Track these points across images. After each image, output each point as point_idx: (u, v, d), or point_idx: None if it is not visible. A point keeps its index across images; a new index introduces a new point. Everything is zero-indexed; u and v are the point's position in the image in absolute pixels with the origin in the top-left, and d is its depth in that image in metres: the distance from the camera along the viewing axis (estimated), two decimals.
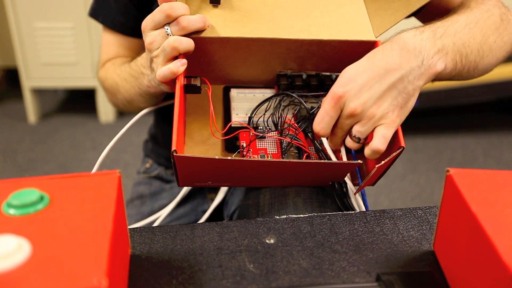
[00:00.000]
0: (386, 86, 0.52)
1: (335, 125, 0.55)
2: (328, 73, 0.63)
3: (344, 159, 0.59)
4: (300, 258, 0.46)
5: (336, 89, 0.53)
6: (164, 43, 0.55)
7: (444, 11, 0.65)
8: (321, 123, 0.54)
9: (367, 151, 0.54)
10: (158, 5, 0.56)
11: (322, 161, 0.57)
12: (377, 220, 0.52)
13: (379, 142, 0.53)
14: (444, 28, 0.56)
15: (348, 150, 0.61)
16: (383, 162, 0.53)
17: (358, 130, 0.54)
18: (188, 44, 0.55)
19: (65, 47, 2.09)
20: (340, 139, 0.57)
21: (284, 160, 0.57)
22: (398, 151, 0.53)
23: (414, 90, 0.53)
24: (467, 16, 0.59)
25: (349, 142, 0.56)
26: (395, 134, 0.54)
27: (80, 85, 2.18)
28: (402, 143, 0.53)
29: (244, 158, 0.54)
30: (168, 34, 0.55)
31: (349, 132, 0.55)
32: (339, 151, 0.60)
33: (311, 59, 0.61)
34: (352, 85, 0.52)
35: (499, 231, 0.35)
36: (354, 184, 0.61)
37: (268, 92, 0.63)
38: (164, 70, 0.55)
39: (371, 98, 0.52)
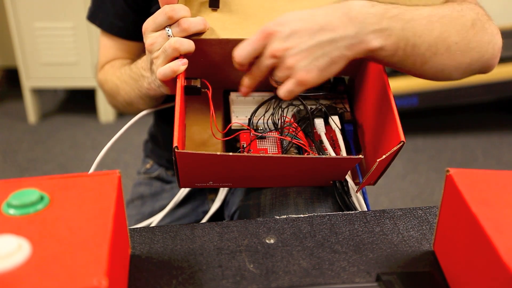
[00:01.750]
0: (314, 42, 0.51)
1: (254, 63, 0.55)
2: None
3: (344, 155, 0.59)
4: (300, 258, 0.46)
5: (269, 25, 0.52)
6: (165, 44, 0.55)
7: None
8: (242, 50, 0.54)
9: (278, 91, 0.55)
10: (156, 9, 0.56)
11: (323, 156, 0.57)
12: (377, 220, 0.52)
13: (282, 93, 0.54)
14: (400, 10, 0.54)
15: (348, 149, 0.61)
16: (384, 156, 0.53)
17: (276, 73, 0.54)
18: (188, 45, 0.55)
19: (65, 47, 2.09)
20: (256, 80, 0.56)
21: (284, 155, 0.58)
22: (398, 146, 0.53)
23: (340, 58, 0.52)
24: (433, 9, 0.57)
25: (271, 80, 0.56)
26: (395, 129, 0.54)
27: (80, 85, 2.18)
28: (402, 138, 0.53)
29: (246, 154, 0.54)
30: (169, 36, 0.56)
31: (266, 75, 0.55)
32: (339, 150, 0.60)
33: None
34: (285, 28, 0.52)
35: (499, 231, 0.35)
36: (355, 183, 0.61)
37: (267, 95, 0.64)
38: (165, 68, 0.56)
39: (295, 47, 0.51)
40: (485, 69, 0.64)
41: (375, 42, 0.53)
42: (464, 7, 0.59)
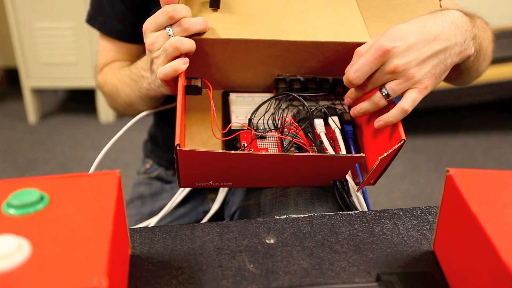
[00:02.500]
0: (431, 52, 0.54)
1: (368, 80, 0.56)
2: (325, 77, 0.64)
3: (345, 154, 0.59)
4: (300, 258, 0.46)
5: (384, 42, 0.53)
6: (165, 43, 0.55)
7: None
8: (359, 71, 0.55)
9: (394, 110, 0.55)
10: (156, 10, 0.56)
11: (324, 154, 0.57)
12: (377, 220, 0.52)
13: (408, 103, 0.55)
14: (475, 20, 0.59)
15: (347, 148, 0.61)
16: (385, 154, 0.53)
17: (392, 87, 0.55)
18: (189, 44, 0.55)
19: (65, 47, 2.08)
20: (366, 93, 0.58)
21: (286, 153, 0.58)
22: (399, 144, 0.54)
23: (451, 65, 0.56)
24: (480, 20, 0.63)
25: (378, 97, 0.56)
26: (396, 127, 0.55)
27: (80, 85, 2.18)
28: (403, 136, 0.54)
29: (247, 152, 0.54)
30: (169, 35, 0.56)
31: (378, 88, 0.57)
32: (339, 150, 0.60)
33: (309, 61, 0.62)
34: (401, 43, 0.53)
35: (499, 231, 0.35)
36: (356, 183, 0.61)
37: (266, 96, 0.64)
38: (166, 67, 0.56)
39: (415, 60, 0.53)
40: (478, 75, 0.73)
41: (472, 48, 0.57)
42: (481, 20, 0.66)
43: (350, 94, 0.59)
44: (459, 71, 0.63)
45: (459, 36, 0.55)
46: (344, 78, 0.57)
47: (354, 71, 0.55)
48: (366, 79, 0.56)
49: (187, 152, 0.51)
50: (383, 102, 0.56)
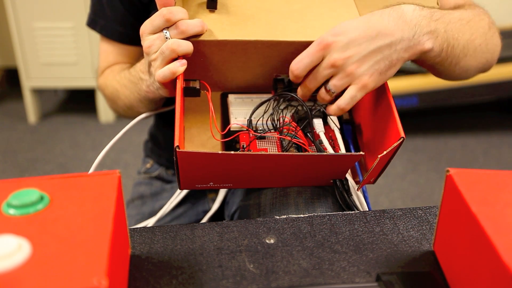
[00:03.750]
0: (373, 47, 0.53)
1: (310, 74, 0.56)
2: None
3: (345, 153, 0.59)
4: (300, 258, 0.46)
5: (326, 36, 0.53)
6: (162, 46, 0.55)
7: None
8: (300, 63, 0.55)
9: (333, 107, 0.56)
10: (155, 12, 0.56)
11: (324, 153, 0.57)
12: (377, 220, 0.52)
13: (346, 101, 0.55)
14: (441, 14, 0.57)
15: (347, 147, 0.61)
16: (385, 152, 0.53)
17: (334, 83, 0.55)
18: (186, 46, 0.55)
19: (65, 47, 2.09)
20: (311, 90, 0.57)
21: (286, 153, 0.58)
22: (398, 142, 0.53)
23: (398, 61, 0.54)
24: (461, 12, 0.60)
25: (322, 93, 0.56)
26: (395, 125, 0.55)
27: (80, 85, 2.18)
28: (402, 134, 0.54)
29: (246, 152, 0.54)
30: (166, 38, 0.55)
31: (322, 85, 0.56)
32: (338, 149, 0.60)
33: None
34: (342, 37, 0.53)
35: (499, 231, 0.35)
36: (355, 182, 0.61)
37: (265, 97, 0.64)
38: (164, 70, 0.56)
39: (356, 54, 0.53)
40: (488, 69, 0.69)
41: (428, 43, 0.55)
42: (479, 12, 0.64)
43: (299, 92, 0.59)
44: (428, 66, 0.62)
45: (406, 30, 0.53)
46: (289, 72, 0.57)
47: (295, 63, 0.55)
48: (310, 75, 0.56)
49: (187, 154, 0.51)
50: (328, 97, 0.56)
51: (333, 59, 0.53)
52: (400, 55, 0.54)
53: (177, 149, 0.50)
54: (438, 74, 0.65)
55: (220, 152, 0.51)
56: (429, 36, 0.55)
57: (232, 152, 0.52)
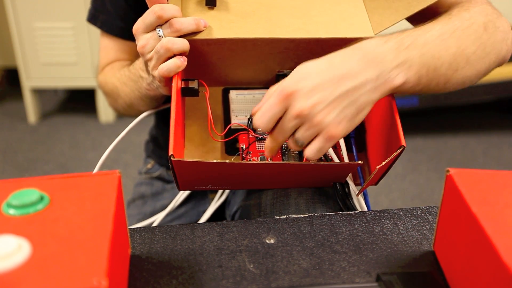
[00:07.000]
0: (339, 92, 0.49)
1: (276, 127, 0.51)
2: None
3: (346, 159, 0.58)
4: (300, 258, 0.46)
5: (286, 84, 0.49)
6: (157, 45, 0.54)
7: (434, 14, 0.62)
8: (263, 117, 0.50)
9: (304, 153, 0.51)
10: None
11: (323, 162, 0.57)
12: (377, 220, 0.52)
13: (312, 154, 0.50)
14: (412, 37, 0.52)
15: (349, 150, 0.61)
16: (384, 163, 0.53)
17: (301, 134, 0.50)
18: (182, 44, 0.54)
19: (65, 47, 2.08)
20: (279, 144, 0.52)
21: (284, 162, 0.57)
22: (399, 151, 0.52)
23: (367, 104, 0.50)
24: (443, 25, 0.55)
25: (290, 144, 0.52)
26: (396, 133, 0.53)
27: (80, 85, 2.18)
28: (403, 143, 0.52)
29: (243, 162, 0.54)
30: (160, 37, 0.55)
31: (290, 136, 0.51)
32: (340, 150, 0.60)
33: (310, 57, 0.60)
34: (305, 83, 0.48)
35: (499, 231, 0.35)
36: (356, 184, 0.60)
37: None
38: (162, 68, 0.55)
39: (321, 102, 0.48)
40: (501, 64, 0.63)
41: (398, 78, 0.50)
42: (472, 13, 0.58)
43: (266, 148, 0.53)
44: (412, 94, 0.56)
45: (370, 70, 0.49)
46: (253, 125, 0.52)
47: (258, 118, 0.50)
48: (276, 127, 0.50)
49: (182, 163, 0.50)
50: (297, 148, 0.51)
51: (298, 109, 0.48)
52: (368, 97, 0.50)
53: (172, 158, 0.50)
54: (432, 93, 0.59)
55: (215, 161, 0.51)
56: (399, 69, 0.50)
57: (227, 161, 0.51)
